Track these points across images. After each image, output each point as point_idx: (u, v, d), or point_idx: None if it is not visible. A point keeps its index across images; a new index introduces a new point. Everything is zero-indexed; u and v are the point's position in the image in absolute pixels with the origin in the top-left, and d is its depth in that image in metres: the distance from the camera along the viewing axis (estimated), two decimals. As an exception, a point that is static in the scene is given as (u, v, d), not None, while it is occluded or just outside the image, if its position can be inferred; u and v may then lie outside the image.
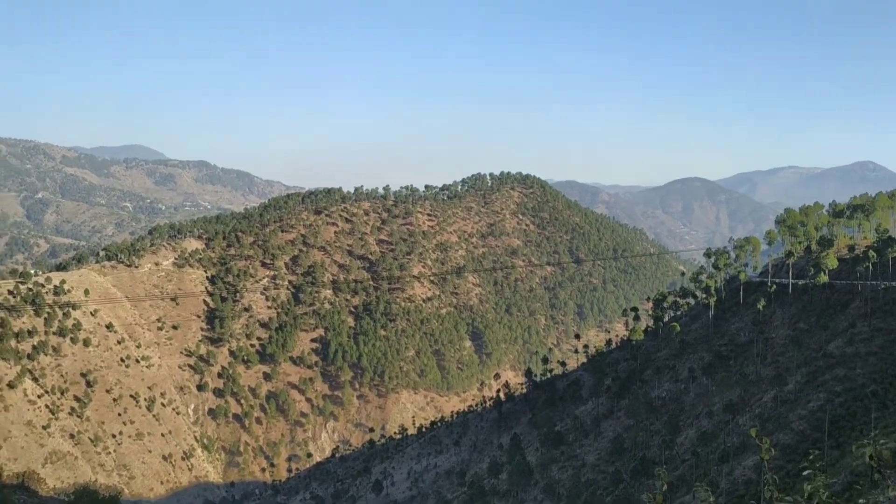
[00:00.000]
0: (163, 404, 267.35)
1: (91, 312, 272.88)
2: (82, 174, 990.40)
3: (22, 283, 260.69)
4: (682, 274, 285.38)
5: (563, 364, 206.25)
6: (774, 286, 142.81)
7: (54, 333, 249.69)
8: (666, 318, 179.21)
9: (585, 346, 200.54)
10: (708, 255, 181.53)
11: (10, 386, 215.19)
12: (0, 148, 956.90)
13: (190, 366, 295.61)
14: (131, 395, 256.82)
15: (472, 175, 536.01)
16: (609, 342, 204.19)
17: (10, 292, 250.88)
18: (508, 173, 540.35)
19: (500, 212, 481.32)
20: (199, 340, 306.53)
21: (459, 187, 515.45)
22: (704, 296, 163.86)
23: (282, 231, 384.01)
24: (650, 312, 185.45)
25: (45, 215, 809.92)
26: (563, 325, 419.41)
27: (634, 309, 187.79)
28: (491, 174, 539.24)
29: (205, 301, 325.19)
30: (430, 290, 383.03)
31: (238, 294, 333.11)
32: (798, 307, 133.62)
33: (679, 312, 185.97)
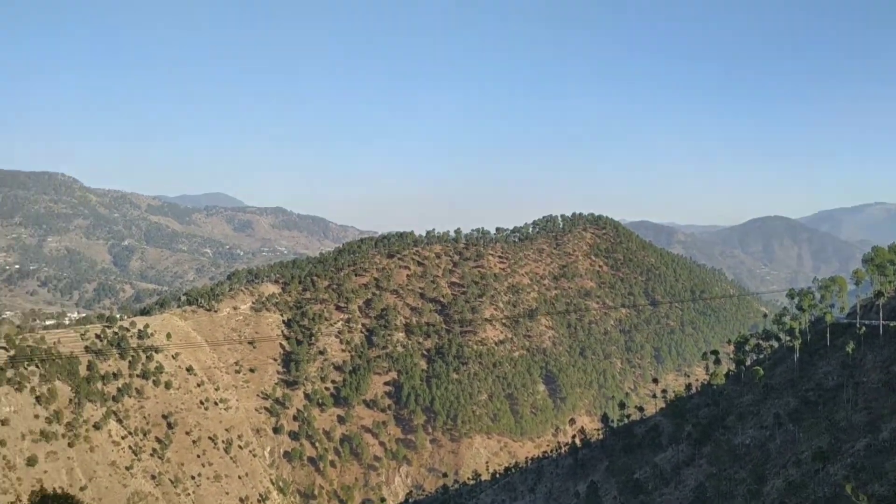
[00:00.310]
0: (240, 447, 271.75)
1: (173, 356, 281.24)
2: (166, 222, 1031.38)
3: (108, 327, 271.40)
4: (765, 316, 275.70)
5: (640, 409, 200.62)
6: (864, 328, 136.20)
7: (138, 376, 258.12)
8: (748, 362, 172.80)
9: (664, 391, 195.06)
10: (791, 296, 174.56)
11: (96, 427, 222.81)
12: (90, 198, 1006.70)
13: (266, 409, 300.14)
14: (210, 438, 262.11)
15: (543, 217, 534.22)
16: (689, 387, 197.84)
17: (97, 336, 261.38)
18: (580, 214, 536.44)
19: (572, 253, 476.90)
20: (276, 383, 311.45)
21: (530, 229, 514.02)
22: (788, 338, 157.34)
23: (355, 275, 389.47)
24: (731, 356, 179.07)
25: (130, 262, 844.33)
26: (639, 368, 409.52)
27: (715, 352, 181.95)
28: (562, 216, 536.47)
29: (281, 344, 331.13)
30: (502, 332, 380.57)
31: (313, 337, 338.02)
32: (890, 350, 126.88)
33: (762, 356, 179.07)
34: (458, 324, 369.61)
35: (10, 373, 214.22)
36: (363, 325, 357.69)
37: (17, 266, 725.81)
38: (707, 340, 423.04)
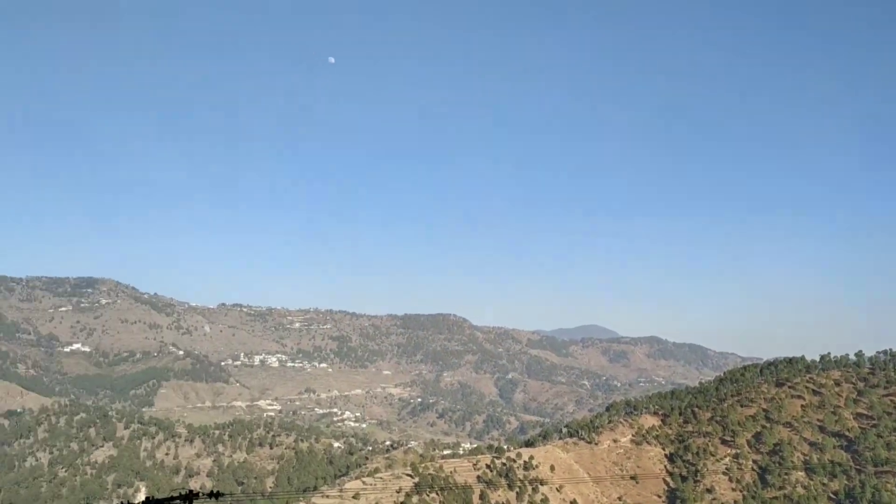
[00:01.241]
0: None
1: (557, 488, 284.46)
2: (544, 355, 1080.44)
3: (497, 457, 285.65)
4: None
5: None
6: None
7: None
8: None
9: None
10: None
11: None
12: (478, 335, 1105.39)
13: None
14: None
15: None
16: None
17: (487, 466, 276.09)
18: None
19: None
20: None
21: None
22: None
23: (741, 406, 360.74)
24: None
25: (514, 394, 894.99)
26: None
27: None
28: None
29: (665, 480, 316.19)
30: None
31: (699, 474, 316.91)
32: None
33: None
34: (870, 463, 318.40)
35: (415, 499, 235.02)
36: (754, 461, 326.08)
37: (419, 399, 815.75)
38: None
